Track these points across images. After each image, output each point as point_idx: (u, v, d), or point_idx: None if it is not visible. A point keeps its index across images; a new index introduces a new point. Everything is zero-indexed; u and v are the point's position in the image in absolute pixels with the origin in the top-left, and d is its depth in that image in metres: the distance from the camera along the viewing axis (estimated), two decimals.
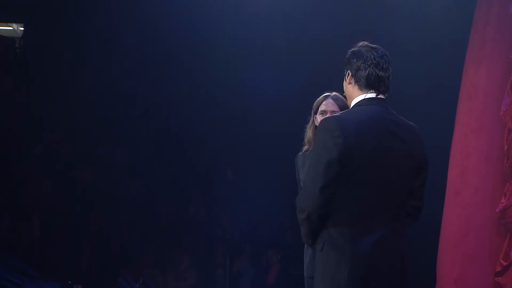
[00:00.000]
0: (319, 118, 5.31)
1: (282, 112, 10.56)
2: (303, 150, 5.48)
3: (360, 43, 3.92)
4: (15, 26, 12.66)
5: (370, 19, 9.52)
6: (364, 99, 3.81)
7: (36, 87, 11.00)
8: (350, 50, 3.90)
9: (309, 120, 5.46)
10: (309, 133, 5.45)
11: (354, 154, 3.60)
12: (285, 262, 10.15)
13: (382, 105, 3.82)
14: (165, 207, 10.74)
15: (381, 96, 3.83)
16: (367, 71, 3.81)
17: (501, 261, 7.16)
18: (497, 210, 7.22)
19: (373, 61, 3.83)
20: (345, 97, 5.08)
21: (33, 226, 10.02)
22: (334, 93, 5.40)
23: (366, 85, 3.82)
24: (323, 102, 5.37)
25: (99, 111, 10.93)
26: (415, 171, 3.79)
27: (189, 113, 11.06)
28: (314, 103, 5.44)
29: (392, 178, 3.71)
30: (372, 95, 3.82)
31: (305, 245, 5.10)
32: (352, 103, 3.85)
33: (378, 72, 3.83)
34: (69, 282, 9.23)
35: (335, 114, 3.89)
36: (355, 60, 3.83)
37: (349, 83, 3.85)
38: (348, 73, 3.85)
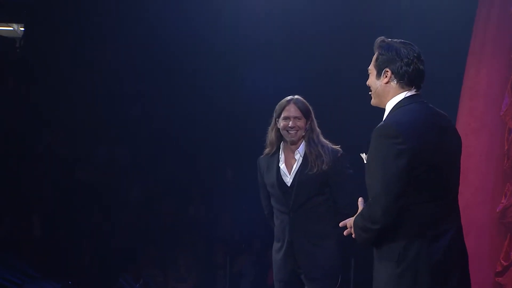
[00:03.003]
0: (282, 122, 5.32)
1: None
2: (265, 153, 5.47)
3: (384, 39, 3.74)
4: (15, 26, 12.65)
5: (370, 18, 9.52)
6: (404, 98, 3.63)
7: (36, 87, 10.99)
8: (383, 45, 3.69)
9: (271, 123, 5.45)
10: (271, 135, 5.45)
11: (419, 158, 3.48)
12: None
13: (422, 101, 3.68)
14: (165, 207, 10.73)
15: (418, 92, 3.68)
16: (411, 67, 3.63)
17: (502, 261, 7.16)
18: (497, 210, 7.21)
19: (416, 55, 3.65)
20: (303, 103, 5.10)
21: (33, 226, 10.01)
22: (296, 96, 5.39)
23: (408, 82, 3.64)
24: (286, 108, 5.36)
25: (99, 111, 10.92)
26: (460, 162, 3.73)
27: (189, 113, 11.04)
28: (277, 107, 5.44)
29: (451, 176, 3.63)
30: (411, 92, 3.65)
31: None
32: (390, 103, 3.65)
33: (420, 66, 3.66)
34: (70, 282, 9.22)
35: (390, 119, 3.61)
36: (397, 57, 3.62)
37: (387, 81, 3.64)
38: (386, 71, 3.63)
